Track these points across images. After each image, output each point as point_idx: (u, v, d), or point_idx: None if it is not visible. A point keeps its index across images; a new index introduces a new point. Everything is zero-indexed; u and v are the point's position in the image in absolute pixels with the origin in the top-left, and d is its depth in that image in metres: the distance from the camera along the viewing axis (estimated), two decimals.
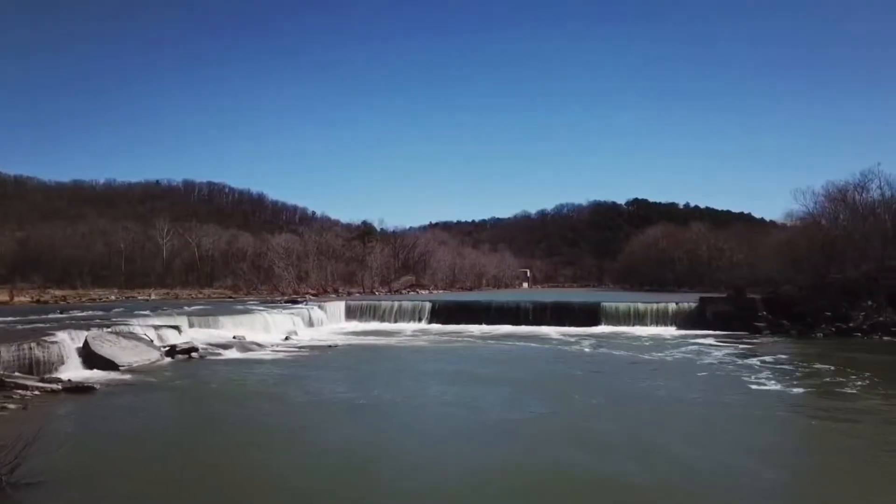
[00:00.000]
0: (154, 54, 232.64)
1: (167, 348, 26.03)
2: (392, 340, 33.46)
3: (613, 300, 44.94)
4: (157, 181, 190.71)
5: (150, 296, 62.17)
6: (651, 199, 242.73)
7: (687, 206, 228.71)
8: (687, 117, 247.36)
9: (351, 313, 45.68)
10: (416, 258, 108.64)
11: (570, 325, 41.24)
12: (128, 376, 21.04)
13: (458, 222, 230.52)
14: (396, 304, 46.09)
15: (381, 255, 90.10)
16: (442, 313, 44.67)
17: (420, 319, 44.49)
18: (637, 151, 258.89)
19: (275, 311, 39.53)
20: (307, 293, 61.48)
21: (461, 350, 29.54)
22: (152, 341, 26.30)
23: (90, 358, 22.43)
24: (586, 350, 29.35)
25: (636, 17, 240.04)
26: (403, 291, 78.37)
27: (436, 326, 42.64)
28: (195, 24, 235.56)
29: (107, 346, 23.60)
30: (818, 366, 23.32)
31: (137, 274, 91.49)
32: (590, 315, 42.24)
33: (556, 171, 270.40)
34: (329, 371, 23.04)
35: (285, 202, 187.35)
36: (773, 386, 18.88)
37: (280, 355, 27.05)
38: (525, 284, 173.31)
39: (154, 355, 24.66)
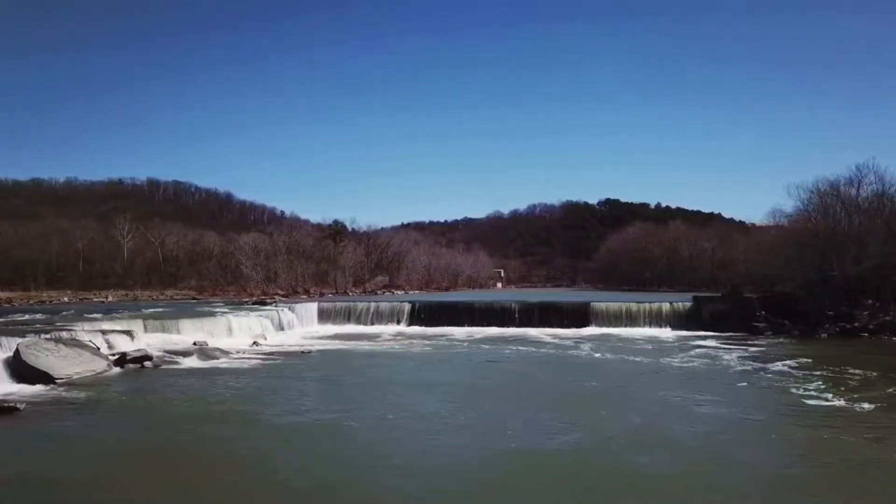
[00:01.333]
0: (124, 50, 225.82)
1: (116, 357, 22.83)
2: (370, 345, 30.52)
3: (602, 300, 42.54)
4: (121, 180, 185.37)
5: (106, 297, 58.18)
6: (623, 199, 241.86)
7: (658, 206, 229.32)
8: (660, 118, 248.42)
9: (324, 315, 42.62)
10: (390, 258, 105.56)
11: (558, 326, 38.87)
12: (65, 391, 17.82)
13: (431, 223, 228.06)
14: (373, 305, 43.13)
15: (353, 255, 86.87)
16: (422, 315, 41.87)
17: (399, 321, 41.61)
18: (609, 151, 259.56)
19: (241, 313, 36.28)
20: (276, 294, 58.10)
21: (449, 356, 26.77)
22: (99, 349, 23.07)
23: (21, 370, 19.16)
24: (586, 355, 26.77)
25: (611, 15, 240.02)
26: (378, 292, 75.34)
27: (416, 329, 39.83)
28: (163, 20, 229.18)
29: (43, 355, 20.30)
30: (857, 371, 21.02)
31: (96, 275, 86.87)
32: (579, 316, 39.84)
33: (528, 170, 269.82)
34: (302, 382, 20.08)
35: (253, 202, 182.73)
36: (835, 400, 16.01)
37: (246, 364, 23.97)
38: (499, 284, 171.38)
39: (100, 365, 21.42)
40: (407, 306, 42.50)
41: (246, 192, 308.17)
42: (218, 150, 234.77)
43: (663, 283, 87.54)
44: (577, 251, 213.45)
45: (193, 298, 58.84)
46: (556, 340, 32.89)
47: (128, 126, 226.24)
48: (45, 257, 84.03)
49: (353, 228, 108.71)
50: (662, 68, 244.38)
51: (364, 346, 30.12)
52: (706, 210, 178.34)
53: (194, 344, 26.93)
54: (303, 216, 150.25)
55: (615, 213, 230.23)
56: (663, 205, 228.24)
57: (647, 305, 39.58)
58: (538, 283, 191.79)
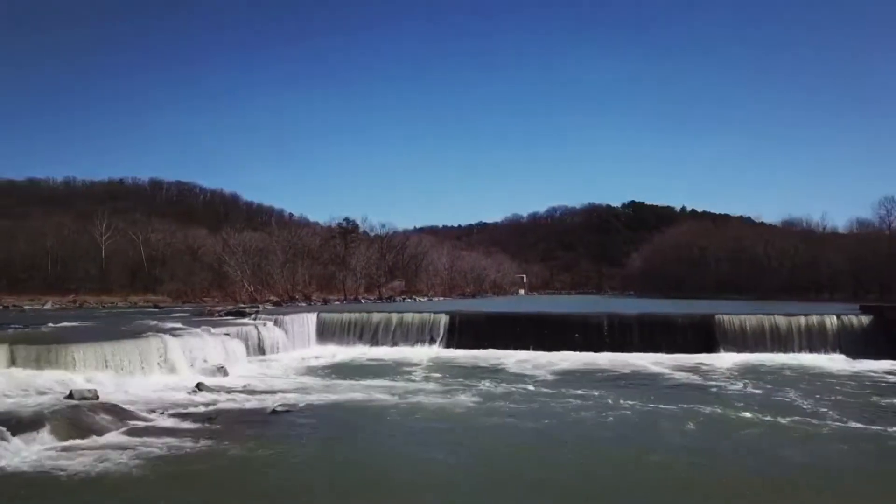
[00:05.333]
0: (129, 51, 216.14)
1: None
2: (391, 393, 17.26)
3: (728, 311, 29.51)
4: (121, 180, 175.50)
5: (44, 304, 45.92)
6: (647, 202, 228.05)
7: (683, 209, 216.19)
8: (680, 119, 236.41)
9: (326, 331, 30.21)
10: (407, 260, 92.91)
11: (672, 349, 26.33)
12: None
13: (445, 227, 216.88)
14: (395, 317, 30.48)
15: (366, 256, 74.27)
16: (465, 331, 29.29)
17: (433, 341, 29.05)
18: (630, 153, 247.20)
19: (196, 331, 23.68)
20: (268, 301, 45.61)
21: (525, 419, 13.90)
22: None
23: None
24: (759, 417, 13.88)
25: (633, 19, 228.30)
26: (397, 298, 62.70)
27: (458, 353, 27.37)
28: (168, 20, 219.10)
29: None
30: None
31: (69, 277, 74.95)
32: (699, 335, 27.19)
33: (546, 172, 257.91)
34: None
35: (261, 203, 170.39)
36: None
37: (154, 446, 11.39)
38: (522, 291, 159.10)
39: None
40: (443, 319, 29.84)
41: (254, 194, 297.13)
42: (225, 150, 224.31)
43: (727, 289, 74.17)
44: (603, 256, 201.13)
45: (157, 306, 46.70)
46: (677, 375, 21.09)
47: (130, 126, 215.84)
48: (7, 257, 72.03)
49: (364, 230, 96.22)
50: (683, 69, 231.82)
51: (380, 394, 17.03)
52: (734, 213, 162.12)
53: (70, 396, 14.37)
54: (312, 219, 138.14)
55: (640, 216, 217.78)
56: (688, 208, 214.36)
57: (799, 320, 26.81)
58: (562, 290, 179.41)
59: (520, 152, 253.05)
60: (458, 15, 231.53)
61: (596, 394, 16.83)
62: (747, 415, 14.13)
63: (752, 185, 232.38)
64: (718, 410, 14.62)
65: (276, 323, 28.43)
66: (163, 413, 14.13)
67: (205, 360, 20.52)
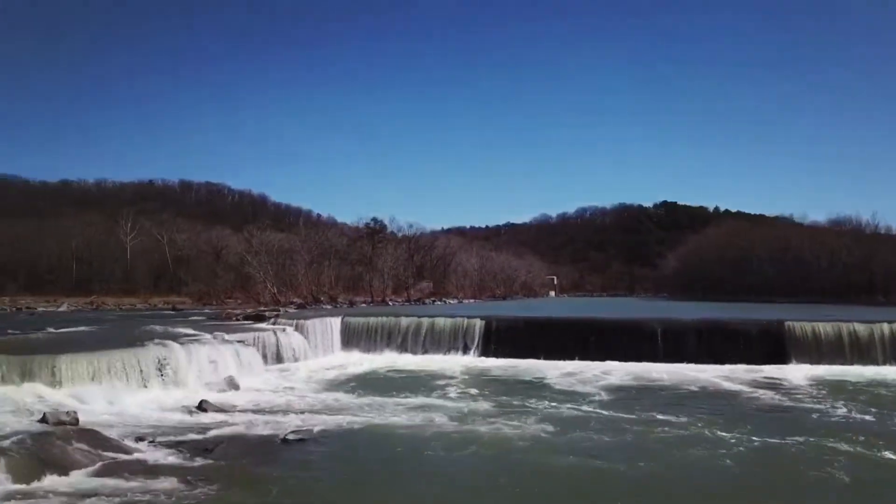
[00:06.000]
0: (153, 55, 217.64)
1: None
2: (427, 414, 14.78)
3: (798, 317, 26.33)
4: (151, 181, 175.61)
5: (59, 305, 44.38)
6: (679, 202, 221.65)
7: (717, 209, 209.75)
8: (711, 118, 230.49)
9: (351, 337, 27.84)
10: (435, 261, 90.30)
11: (735, 360, 23.56)
12: None
13: (472, 228, 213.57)
14: (425, 321, 27.95)
15: (393, 256, 71.92)
16: (502, 338, 26.69)
17: (467, 349, 26.48)
18: (661, 153, 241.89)
19: (208, 337, 21.43)
20: (291, 302, 43.44)
21: (583, 454, 11.30)
22: None
23: None
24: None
25: (658, 13, 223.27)
26: (426, 301, 60.25)
27: (495, 363, 24.85)
28: (201, 22, 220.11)
29: None
30: None
31: (94, 278, 73.88)
32: (767, 343, 24.22)
33: (576, 172, 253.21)
34: None
35: (289, 204, 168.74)
36: None
37: (128, 492, 9.02)
38: (552, 293, 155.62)
39: None
40: (478, 325, 27.22)
41: (283, 195, 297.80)
42: (255, 152, 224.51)
43: (772, 292, 70.24)
44: (634, 257, 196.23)
45: (175, 308, 44.84)
46: (756, 393, 18.19)
47: (161, 127, 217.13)
48: (30, 258, 71.16)
49: (391, 230, 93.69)
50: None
51: (411, 417, 14.43)
52: (770, 213, 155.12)
53: (44, 420, 12.11)
54: (340, 219, 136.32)
55: (673, 217, 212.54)
56: (722, 208, 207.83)
57: (882, 328, 23.68)
58: (593, 292, 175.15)
59: (548, 152, 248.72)
60: (481, 13, 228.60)
61: (673, 419, 14.08)
62: (890, 455, 11.21)
63: (787, 185, 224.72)
64: (846, 447, 11.66)
65: (296, 328, 26.16)
66: (152, 442, 11.78)
67: (214, 372, 18.25)
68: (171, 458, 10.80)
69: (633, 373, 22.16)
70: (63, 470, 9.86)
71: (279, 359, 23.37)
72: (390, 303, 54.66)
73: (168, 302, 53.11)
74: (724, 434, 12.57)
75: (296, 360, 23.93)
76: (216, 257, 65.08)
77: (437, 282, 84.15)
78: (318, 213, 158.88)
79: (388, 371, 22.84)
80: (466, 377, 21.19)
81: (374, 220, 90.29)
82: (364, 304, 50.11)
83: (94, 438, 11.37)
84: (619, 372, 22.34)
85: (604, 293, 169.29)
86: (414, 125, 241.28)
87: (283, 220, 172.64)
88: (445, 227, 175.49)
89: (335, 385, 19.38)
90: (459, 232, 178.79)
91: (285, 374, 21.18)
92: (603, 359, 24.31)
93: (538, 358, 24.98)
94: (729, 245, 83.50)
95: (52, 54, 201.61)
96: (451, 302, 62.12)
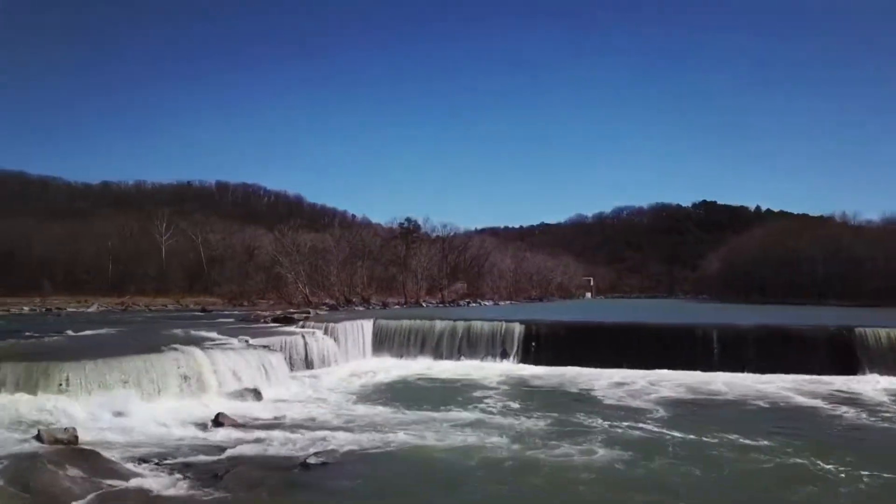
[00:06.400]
0: (191, 59, 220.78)
1: None
2: (466, 432, 13.15)
3: (870, 324, 24.01)
4: (189, 182, 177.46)
5: (90, 306, 43.94)
6: (719, 201, 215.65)
7: (759, 208, 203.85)
8: (753, 116, 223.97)
9: (383, 341, 26.43)
10: (469, 262, 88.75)
11: (798, 370, 21.43)
12: None
13: (506, 228, 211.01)
14: (461, 325, 26.39)
15: (427, 256, 70.59)
16: (543, 344, 24.96)
17: (506, 355, 24.85)
18: (698, 151, 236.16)
19: (236, 340, 20.19)
20: (323, 303, 42.26)
21: (688, 487, 9.60)
22: None
23: None
24: None
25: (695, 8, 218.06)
26: (461, 303, 58.68)
27: (535, 370, 23.15)
28: (239, 23, 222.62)
29: None
30: None
31: (129, 279, 74.13)
32: (836, 351, 22.04)
33: (610, 171, 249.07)
34: None
35: (324, 205, 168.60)
36: None
37: None
38: (589, 294, 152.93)
39: None
40: (517, 329, 25.54)
41: (318, 196, 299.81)
42: (292, 152, 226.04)
43: (823, 293, 66.94)
44: (673, 257, 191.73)
45: (204, 310, 44.06)
46: (826, 407, 16.55)
47: (198, 128, 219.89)
48: (65, 258, 71.58)
49: (425, 231, 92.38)
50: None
51: (449, 436, 12.74)
52: (814, 213, 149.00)
53: (39, 438, 10.87)
54: (374, 220, 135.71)
55: (713, 217, 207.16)
56: (763, 208, 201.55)
57: None
58: (630, 293, 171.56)
59: (582, 150, 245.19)
60: (512, 15, 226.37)
61: (758, 443, 12.13)
62: None
63: (830, 184, 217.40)
64: None
65: (326, 331, 24.84)
66: (157, 464, 10.44)
67: (235, 380, 16.93)
68: (173, 487, 9.41)
69: (686, 383, 20.27)
70: (51, 502, 8.56)
71: (308, 364, 22.07)
72: (424, 304, 53.28)
73: (199, 303, 52.60)
74: (827, 466, 10.54)
75: (325, 364, 22.61)
76: (249, 257, 64.43)
77: (472, 283, 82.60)
78: (353, 214, 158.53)
79: (423, 379, 21.35)
80: (507, 387, 19.55)
81: (408, 220, 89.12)
82: (397, 306, 48.82)
83: (92, 461, 10.06)
84: (670, 382, 20.48)
85: (641, 294, 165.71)
86: (449, 126, 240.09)
87: (319, 220, 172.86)
88: (479, 226, 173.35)
89: (365, 395, 17.93)
90: (493, 232, 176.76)
91: (312, 382, 19.79)
92: (651, 367, 22.48)
93: (581, 365, 23.25)
94: (777, 245, 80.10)
95: (101, 60, 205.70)
96: (486, 304, 60.50)
